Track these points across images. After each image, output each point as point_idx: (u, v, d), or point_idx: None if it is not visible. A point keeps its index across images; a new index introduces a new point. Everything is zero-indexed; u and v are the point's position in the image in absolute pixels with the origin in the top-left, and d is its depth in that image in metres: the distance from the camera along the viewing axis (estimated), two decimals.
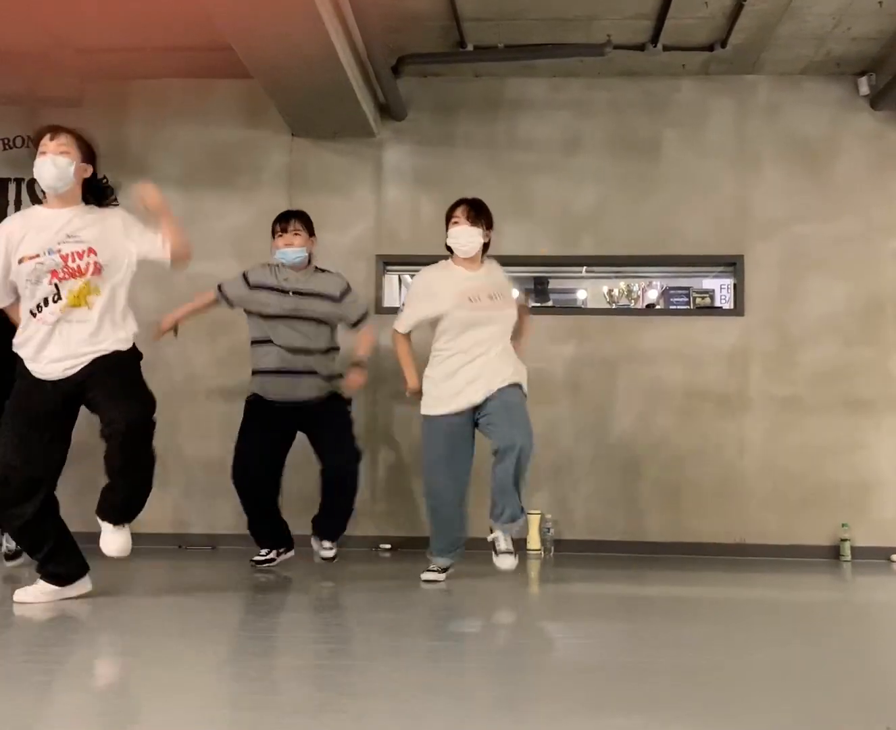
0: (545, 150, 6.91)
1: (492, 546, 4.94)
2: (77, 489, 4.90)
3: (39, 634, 3.76)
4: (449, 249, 5.17)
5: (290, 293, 5.45)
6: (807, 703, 2.72)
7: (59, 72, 6.69)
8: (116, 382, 4.12)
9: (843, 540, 6.49)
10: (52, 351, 4.10)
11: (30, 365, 4.12)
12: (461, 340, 4.98)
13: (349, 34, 5.80)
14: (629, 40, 6.39)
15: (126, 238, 4.27)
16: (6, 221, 4.35)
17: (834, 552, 6.52)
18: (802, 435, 6.64)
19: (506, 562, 4.88)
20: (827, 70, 6.77)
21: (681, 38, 6.37)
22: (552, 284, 7.85)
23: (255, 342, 5.57)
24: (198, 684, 2.86)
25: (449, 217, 5.14)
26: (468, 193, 6.78)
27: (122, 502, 4.16)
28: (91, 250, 4.15)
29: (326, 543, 5.54)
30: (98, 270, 4.15)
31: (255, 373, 5.56)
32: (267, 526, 5.57)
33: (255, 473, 5.44)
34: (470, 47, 6.47)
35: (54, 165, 4.17)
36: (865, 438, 6.63)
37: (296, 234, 5.51)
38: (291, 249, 5.49)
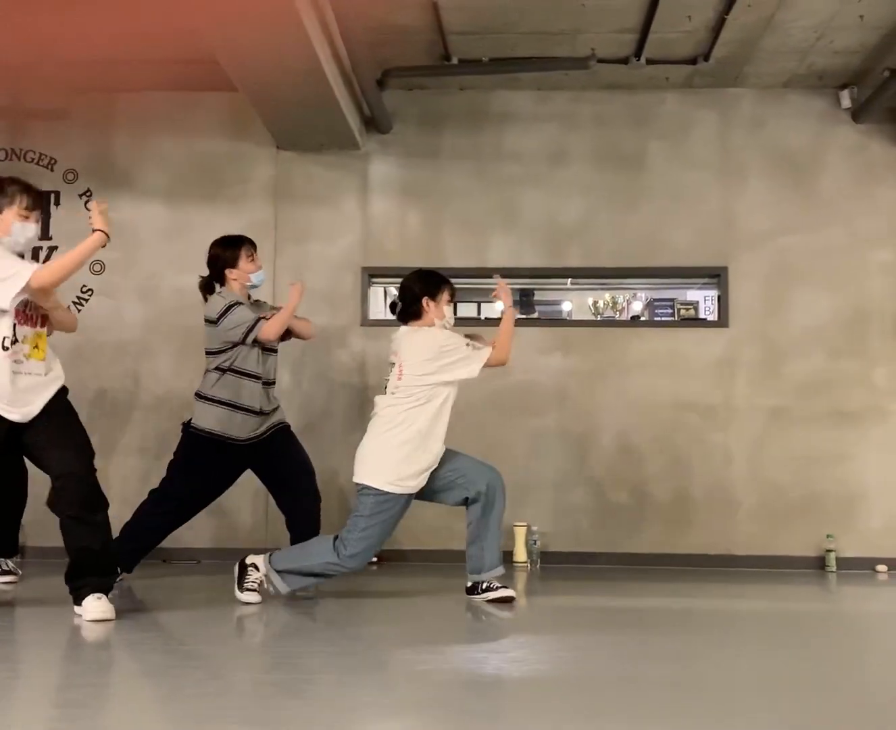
0: (531, 162, 6.93)
1: (483, 590, 4.83)
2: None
3: (28, 649, 3.73)
4: (416, 313, 4.93)
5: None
6: (793, 713, 2.73)
7: (45, 84, 6.68)
8: (60, 428, 4.18)
9: (829, 551, 6.51)
10: (8, 395, 4.11)
11: None
12: (447, 414, 4.81)
13: (334, 47, 5.81)
14: (613, 54, 6.42)
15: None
16: None
17: (819, 563, 6.54)
18: (788, 446, 6.67)
19: (509, 592, 4.83)
20: (809, 83, 6.82)
21: (664, 52, 6.41)
22: (538, 296, 7.88)
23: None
24: (184, 700, 2.85)
25: (442, 291, 4.92)
26: (454, 205, 6.86)
27: (94, 565, 4.13)
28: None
29: None
30: (45, 322, 4.28)
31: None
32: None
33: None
34: (455, 61, 6.49)
35: (36, 235, 4.30)
36: (851, 449, 6.66)
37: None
38: (262, 272, 5.48)
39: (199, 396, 5.32)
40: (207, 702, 2.81)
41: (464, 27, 6.11)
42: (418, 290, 4.92)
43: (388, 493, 4.66)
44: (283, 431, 5.43)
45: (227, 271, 5.33)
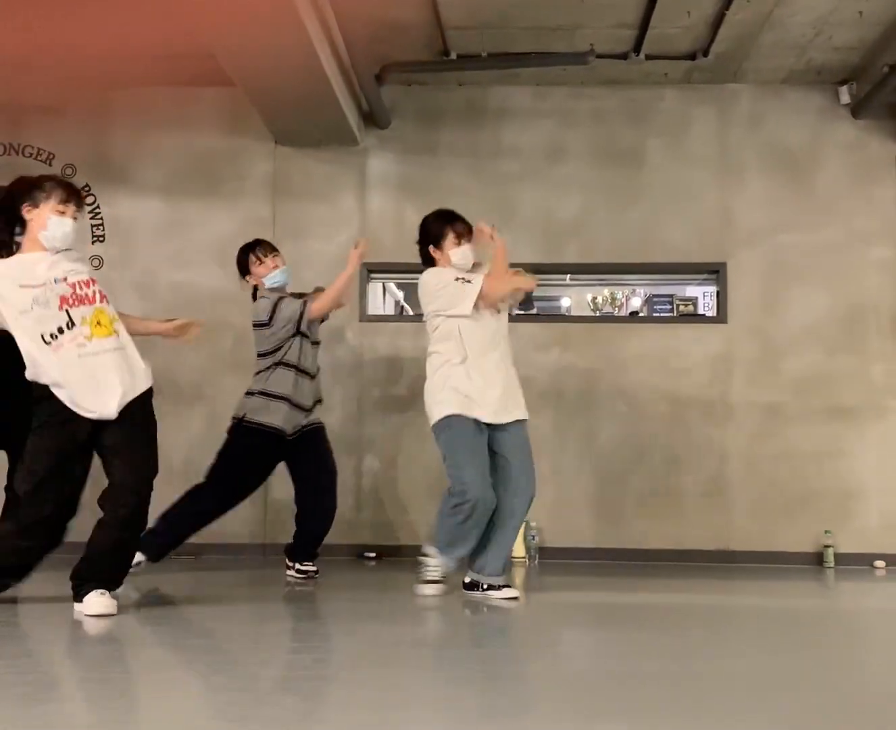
0: (529, 158, 6.93)
1: (484, 589, 4.80)
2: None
3: (21, 643, 3.73)
4: (430, 259, 4.98)
5: None
6: (792, 708, 2.73)
7: (44, 79, 6.67)
8: (131, 438, 4.11)
9: (827, 547, 6.52)
10: (76, 387, 4.03)
11: (63, 397, 4.02)
12: (481, 340, 4.87)
13: (333, 43, 5.80)
14: (612, 49, 6.42)
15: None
16: None
17: (817, 559, 6.55)
18: (786, 442, 6.67)
19: (512, 592, 4.80)
20: (808, 79, 6.81)
21: (663, 48, 6.40)
22: (536, 292, 7.84)
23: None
24: (180, 695, 2.85)
25: (444, 234, 4.91)
26: (452, 201, 6.78)
27: (112, 568, 4.15)
28: (93, 280, 4.18)
29: (307, 563, 5.54)
30: (104, 297, 4.17)
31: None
32: None
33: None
34: (453, 56, 6.49)
35: (74, 230, 4.18)
36: (848, 446, 6.66)
37: (275, 256, 5.54)
38: (280, 271, 5.52)
39: (253, 393, 5.37)
40: (205, 698, 2.81)
41: (462, 22, 6.11)
42: (421, 241, 4.99)
43: (449, 416, 4.71)
44: (319, 429, 5.51)
45: (246, 278, 5.50)
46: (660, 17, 5.95)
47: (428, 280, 4.92)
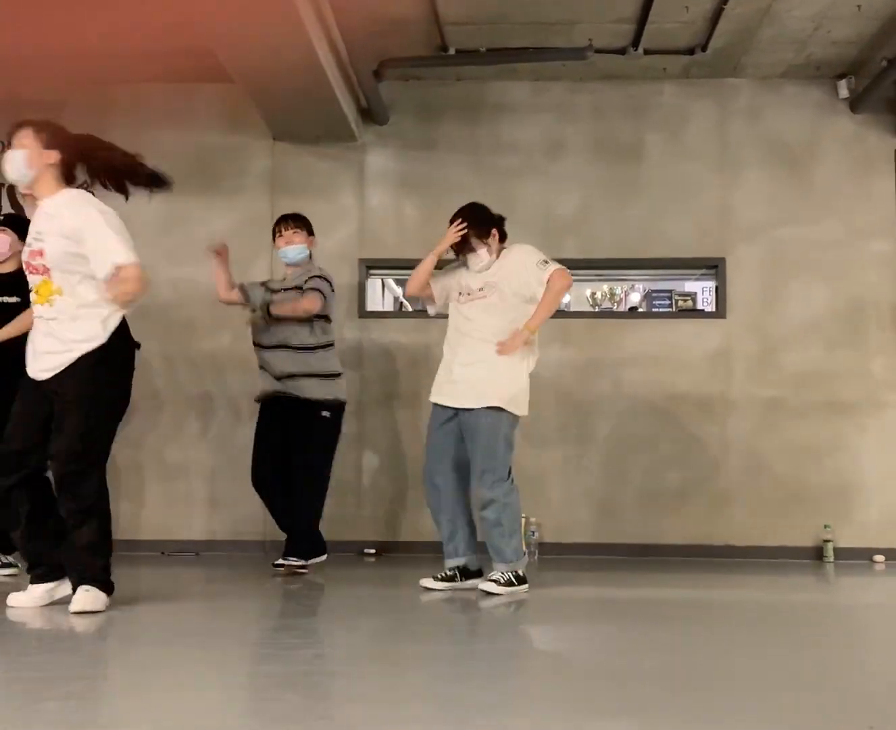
0: (528, 153, 6.92)
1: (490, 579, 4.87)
2: None
3: (25, 641, 3.73)
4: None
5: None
6: (791, 704, 2.73)
7: (42, 76, 6.66)
8: (61, 410, 4.03)
9: (826, 541, 6.52)
10: (32, 348, 4.11)
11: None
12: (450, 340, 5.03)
13: (331, 38, 5.80)
14: (610, 44, 6.41)
15: (80, 242, 4.09)
16: None
17: (817, 553, 6.55)
18: (785, 437, 6.67)
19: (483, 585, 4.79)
20: (807, 73, 6.81)
21: (662, 42, 6.40)
22: None
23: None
24: (180, 692, 2.84)
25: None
26: (451, 197, 6.77)
27: (81, 552, 4.05)
28: (41, 252, 4.06)
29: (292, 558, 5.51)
30: (46, 270, 4.06)
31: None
32: None
33: None
34: (452, 51, 6.48)
35: (9, 161, 4.23)
36: (848, 440, 6.66)
37: (295, 232, 5.63)
38: (290, 248, 5.62)
39: None
40: (204, 694, 2.81)
41: (460, 18, 6.10)
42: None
43: (432, 403, 5.02)
44: (308, 405, 5.49)
45: None
46: (658, 12, 5.94)
47: None
